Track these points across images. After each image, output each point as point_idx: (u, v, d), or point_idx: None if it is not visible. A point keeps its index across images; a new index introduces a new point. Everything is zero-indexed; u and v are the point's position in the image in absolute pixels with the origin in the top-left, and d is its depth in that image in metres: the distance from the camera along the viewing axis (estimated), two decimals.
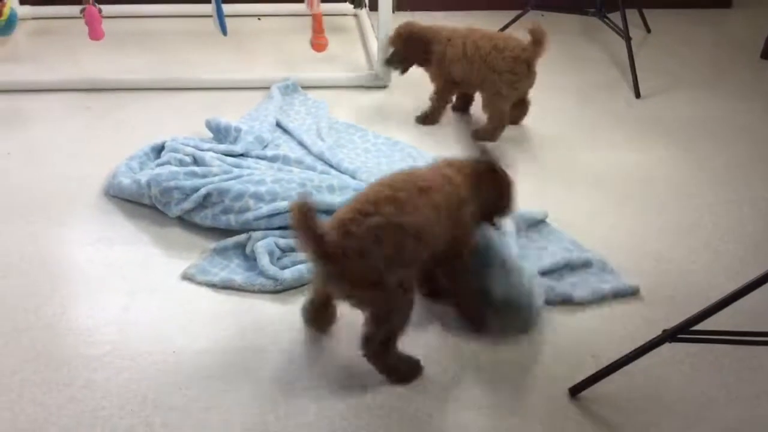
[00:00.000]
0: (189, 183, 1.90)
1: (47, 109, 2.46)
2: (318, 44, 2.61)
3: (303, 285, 1.70)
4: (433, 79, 2.42)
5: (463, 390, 1.48)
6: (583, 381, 1.46)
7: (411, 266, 1.45)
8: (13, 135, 2.32)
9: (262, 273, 1.71)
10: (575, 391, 1.47)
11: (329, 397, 1.46)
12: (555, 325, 1.64)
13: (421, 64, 2.41)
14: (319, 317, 1.58)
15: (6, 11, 2.52)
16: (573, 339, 1.61)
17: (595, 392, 1.46)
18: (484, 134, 2.33)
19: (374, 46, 2.78)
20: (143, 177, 1.96)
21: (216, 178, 1.94)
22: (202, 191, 1.87)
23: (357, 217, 1.39)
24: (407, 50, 2.38)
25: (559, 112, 2.57)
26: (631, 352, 1.40)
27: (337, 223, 1.40)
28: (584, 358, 1.55)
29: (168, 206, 1.90)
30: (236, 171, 2.00)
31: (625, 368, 1.42)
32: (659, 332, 1.36)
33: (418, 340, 1.58)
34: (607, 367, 1.43)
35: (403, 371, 1.49)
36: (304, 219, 1.32)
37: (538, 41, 2.28)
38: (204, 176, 1.96)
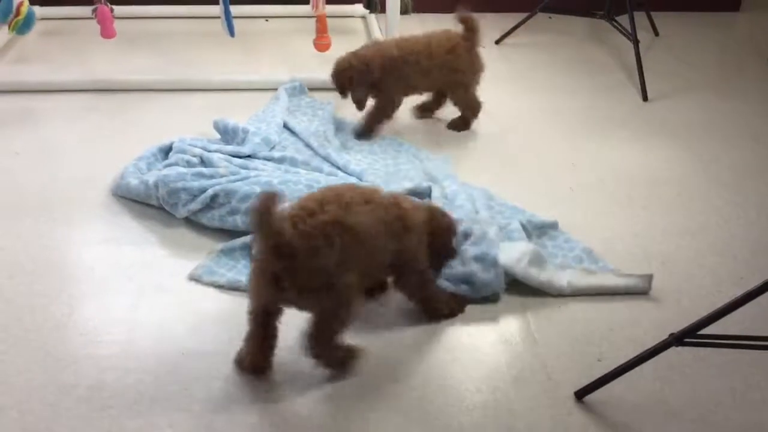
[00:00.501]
0: (196, 184, 1.91)
1: (56, 110, 2.48)
2: (321, 44, 2.62)
3: None
4: (389, 100, 2.34)
5: (468, 393, 1.48)
6: (589, 384, 1.46)
7: (358, 268, 1.44)
8: (23, 135, 2.33)
9: None
10: (581, 394, 1.47)
11: (342, 397, 1.46)
12: (561, 328, 1.64)
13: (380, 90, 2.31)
14: (258, 354, 1.48)
15: (24, 9, 2.54)
16: (579, 342, 1.61)
17: (601, 395, 1.46)
18: (461, 124, 2.40)
19: None
20: (151, 177, 1.96)
21: (223, 179, 1.95)
22: (210, 192, 1.88)
23: (303, 215, 1.38)
24: (361, 84, 2.26)
25: (566, 114, 2.56)
26: (637, 356, 1.40)
27: (287, 220, 1.37)
28: (590, 361, 1.55)
29: (175, 207, 1.91)
30: (243, 172, 2.01)
31: (632, 371, 1.42)
32: (666, 336, 1.36)
33: (419, 340, 1.59)
34: (613, 370, 1.43)
35: (347, 360, 1.49)
36: (266, 213, 1.29)
37: (471, 29, 2.30)
38: (211, 177, 1.97)
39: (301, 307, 1.44)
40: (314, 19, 2.64)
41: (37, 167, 2.17)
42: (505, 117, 2.53)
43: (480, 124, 2.47)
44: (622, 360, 1.43)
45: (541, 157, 2.31)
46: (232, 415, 1.42)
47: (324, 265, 1.37)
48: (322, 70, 2.68)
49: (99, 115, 2.45)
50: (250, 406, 1.44)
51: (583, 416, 1.43)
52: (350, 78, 2.25)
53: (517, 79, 2.80)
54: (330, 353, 1.47)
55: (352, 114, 2.48)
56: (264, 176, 1.97)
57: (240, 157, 2.12)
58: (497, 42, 3.08)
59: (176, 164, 2.05)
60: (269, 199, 1.29)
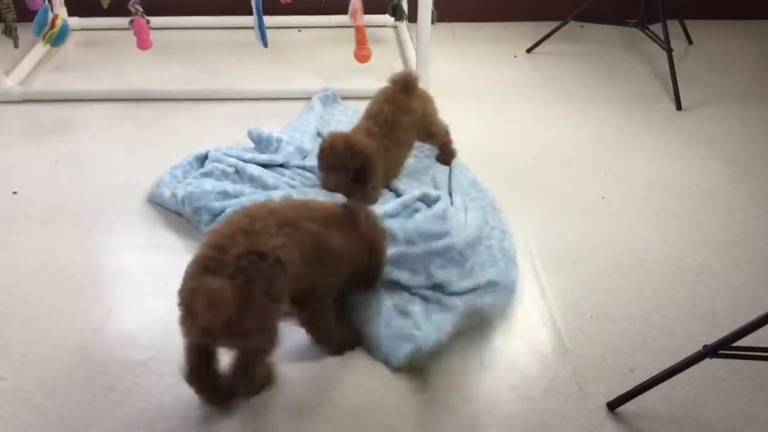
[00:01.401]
0: (218, 204, 1.93)
1: (94, 118, 2.53)
2: (361, 55, 2.64)
3: None
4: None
5: (500, 403, 1.48)
6: (621, 395, 1.45)
7: (281, 301, 1.40)
8: (62, 143, 2.39)
9: None
10: (613, 405, 1.46)
11: (387, 406, 1.47)
12: (593, 338, 1.63)
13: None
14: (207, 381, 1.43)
15: (59, 22, 2.60)
16: (611, 352, 1.60)
17: (633, 407, 1.45)
18: (448, 153, 2.24)
19: (412, 57, 2.80)
20: (180, 192, 1.99)
21: (244, 198, 1.96)
22: (228, 211, 1.88)
23: (216, 256, 1.31)
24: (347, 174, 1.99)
25: (598, 123, 2.55)
26: (670, 367, 1.39)
27: (201, 265, 1.31)
28: (623, 372, 1.54)
29: (199, 224, 1.94)
30: (262, 193, 2.01)
31: (665, 383, 1.41)
32: (700, 347, 1.35)
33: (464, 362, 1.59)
34: (646, 381, 1.42)
35: (266, 382, 1.46)
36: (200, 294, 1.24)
37: (408, 86, 2.12)
38: (236, 197, 1.98)
39: (236, 347, 1.38)
40: (346, 29, 2.66)
41: (76, 175, 2.22)
42: (536, 126, 2.53)
43: (511, 132, 2.47)
44: (655, 371, 1.42)
45: (573, 165, 2.30)
46: (267, 421, 1.44)
47: (258, 307, 1.31)
48: (354, 80, 2.72)
49: (135, 124, 2.50)
50: (283, 411, 1.45)
51: (616, 427, 1.42)
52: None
53: (549, 88, 2.80)
54: (256, 384, 1.43)
55: None
56: (281, 193, 1.99)
57: (273, 165, 2.15)
58: (529, 51, 3.08)
59: (212, 173, 2.09)
60: (199, 270, 1.26)
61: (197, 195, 1.95)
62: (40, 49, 2.88)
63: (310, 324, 1.56)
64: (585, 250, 1.92)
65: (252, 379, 1.42)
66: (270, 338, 1.39)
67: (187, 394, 1.47)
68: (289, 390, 1.49)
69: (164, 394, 1.49)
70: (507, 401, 1.49)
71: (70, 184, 2.18)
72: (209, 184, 2.00)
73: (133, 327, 1.66)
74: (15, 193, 2.13)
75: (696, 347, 1.36)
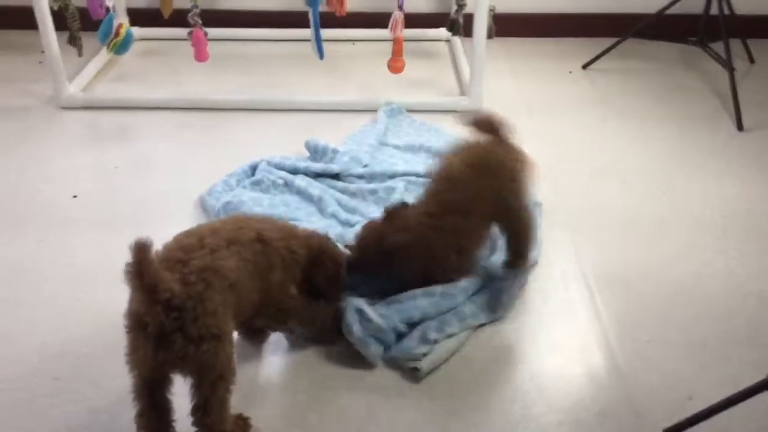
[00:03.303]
0: None
1: (152, 126, 2.58)
2: (395, 67, 2.65)
3: None
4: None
5: (551, 426, 1.45)
6: (679, 423, 1.40)
7: (233, 315, 1.35)
8: (121, 150, 2.44)
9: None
10: None
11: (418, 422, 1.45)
12: (650, 363, 1.59)
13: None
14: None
15: (123, 31, 2.67)
16: (669, 378, 1.55)
17: None
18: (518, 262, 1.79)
19: (466, 72, 2.79)
20: (222, 200, 2.02)
21: (275, 212, 1.98)
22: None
23: (173, 265, 1.27)
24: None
25: (656, 142, 2.50)
26: (731, 396, 1.34)
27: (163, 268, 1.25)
28: (681, 399, 1.50)
29: None
30: (308, 207, 2.03)
31: (724, 413, 1.36)
32: (762, 376, 1.30)
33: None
34: (705, 410, 1.37)
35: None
36: (144, 262, 1.17)
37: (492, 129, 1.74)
38: (271, 209, 2.00)
39: (190, 364, 1.26)
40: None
41: (134, 181, 2.27)
42: (591, 143, 2.49)
43: (565, 149, 2.44)
44: (714, 400, 1.37)
45: (630, 185, 2.25)
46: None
47: (211, 308, 1.26)
48: (406, 93, 2.72)
49: (192, 133, 2.54)
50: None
51: None
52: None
53: (605, 105, 2.75)
54: (222, 426, 1.32)
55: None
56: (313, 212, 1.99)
57: (328, 175, 2.16)
58: (584, 67, 3.04)
59: (261, 182, 2.12)
60: (143, 248, 1.16)
61: (233, 205, 1.98)
62: (102, 57, 2.96)
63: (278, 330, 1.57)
64: (642, 272, 1.87)
65: (221, 418, 1.31)
66: (225, 358, 1.30)
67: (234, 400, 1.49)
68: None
69: None
70: (559, 424, 1.46)
71: (128, 190, 2.22)
72: (247, 195, 2.03)
73: None
74: (75, 196, 2.18)
75: (758, 376, 1.31)
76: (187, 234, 1.40)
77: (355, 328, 1.56)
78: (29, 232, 2.02)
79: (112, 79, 2.92)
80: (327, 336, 1.61)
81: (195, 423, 1.31)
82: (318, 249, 1.58)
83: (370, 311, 1.58)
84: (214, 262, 1.31)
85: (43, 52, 2.63)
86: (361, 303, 1.60)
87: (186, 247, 1.33)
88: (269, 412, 1.48)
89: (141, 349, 1.24)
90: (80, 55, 2.67)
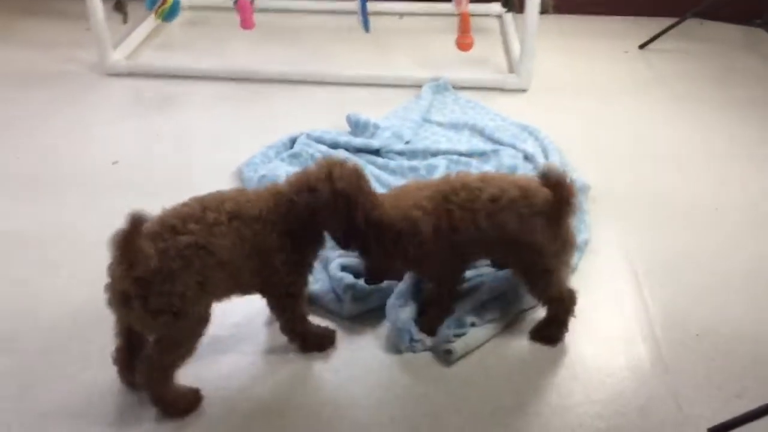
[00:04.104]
0: None
1: (196, 96, 2.57)
2: (463, 43, 2.56)
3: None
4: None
5: (588, 417, 1.40)
6: (726, 422, 1.34)
7: (217, 292, 1.36)
8: (163, 118, 2.43)
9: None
10: (716, 431, 1.35)
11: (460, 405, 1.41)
12: (697, 357, 1.52)
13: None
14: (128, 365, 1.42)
15: None
16: (717, 373, 1.48)
17: None
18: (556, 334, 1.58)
19: (516, 49, 2.70)
20: (259, 173, 2.00)
21: None
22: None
23: (163, 233, 1.29)
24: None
25: (712, 127, 2.39)
26: None
27: (147, 239, 1.28)
28: (728, 396, 1.43)
29: None
30: None
31: None
32: None
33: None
34: (755, 409, 1.30)
35: (180, 407, 1.39)
36: (132, 236, 1.21)
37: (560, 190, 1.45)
38: None
39: (147, 329, 1.34)
40: (447, 18, 2.59)
41: (175, 149, 2.26)
42: (644, 127, 2.39)
43: (617, 132, 2.35)
44: (766, 399, 1.30)
45: (683, 171, 2.15)
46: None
47: (179, 290, 1.28)
48: (454, 69, 2.65)
49: (235, 103, 2.52)
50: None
51: None
52: None
53: (661, 87, 2.64)
54: (161, 387, 1.37)
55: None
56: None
57: (368, 150, 2.11)
58: (641, 47, 2.92)
59: (300, 155, 2.09)
60: (136, 222, 1.21)
61: (268, 179, 1.95)
62: (148, 25, 2.95)
63: (278, 318, 1.50)
64: (692, 262, 1.79)
65: (156, 378, 1.35)
66: (186, 332, 1.33)
67: (265, 365, 1.46)
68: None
69: (244, 372, 1.48)
70: (599, 416, 1.40)
71: (168, 158, 2.21)
72: (282, 169, 1.99)
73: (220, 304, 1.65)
74: (115, 162, 2.18)
75: None
76: (195, 201, 1.39)
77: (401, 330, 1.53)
78: (71, 197, 2.03)
79: (157, 47, 2.92)
80: (302, 349, 1.53)
81: (137, 375, 1.38)
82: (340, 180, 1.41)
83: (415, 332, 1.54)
84: (203, 239, 1.31)
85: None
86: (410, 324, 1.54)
87: (184, 216, 1.34)
88: (299, 390, 1.46)
89: (111, 298, 1.32)
90: (125, 21, 2.67)
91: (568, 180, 1.44)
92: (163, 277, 1.27)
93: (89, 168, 2.15)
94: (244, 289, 1.45)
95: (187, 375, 1.40)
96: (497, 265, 1.68)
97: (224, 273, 1.34)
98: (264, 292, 1.47)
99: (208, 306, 1.37)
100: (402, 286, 1.61)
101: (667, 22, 2.86)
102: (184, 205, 1.38)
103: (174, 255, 1.28)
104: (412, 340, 1.53)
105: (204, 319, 1.37)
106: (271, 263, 1.40)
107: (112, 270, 1.29)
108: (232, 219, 1.36)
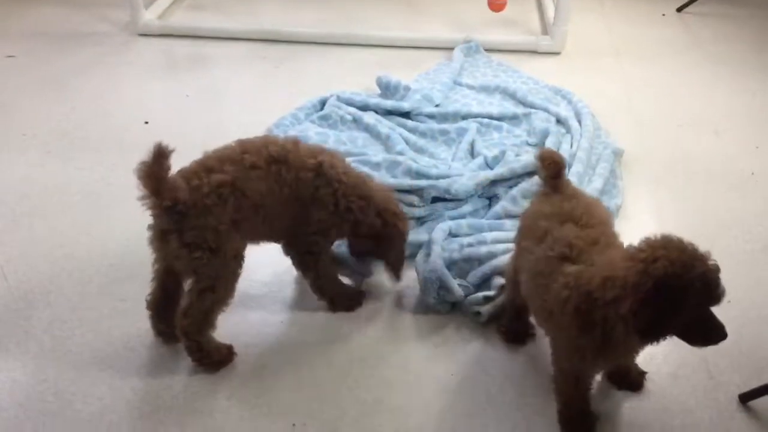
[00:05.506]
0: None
1: (226, 56, 2.56)
2: (496, 4, 2.52)
3: None
4: None
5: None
6: (757, 389, 1.33)
7: (249, 237, 1.38)
8: (194, 78, 2.43)
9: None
10: (746, 398, 1.34)
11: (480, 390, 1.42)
12: (729, 325, 1.49)
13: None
14: (165, 320, 1.43)
15: None
16: (749, 341, 1.46)
17: (766, 403, 1.32)
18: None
19: (551, 11, 2.65)
20: (289, 134, 1.98)
21: (342, 148, 1.93)
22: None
23: (200, 171, 1.32)
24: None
25: (751, 92, 2.34)
26: None
27: (180, 177, 1.31)
28: (761, 365, 1.41)
29: None
30: (375, 145, 1.99)
31: None
32: None
33: None
34: None
35: (215, 359, 1.40)
36: (157, 166, 1.22)
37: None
38: (337, 144, 1.95)
39: (184, 266, 1.34)
40: None
41: (205, 110, 2.26)
42: (681, 90, 2.34)
43: (654, 95, 2.30)
44: None
45: (720, 136, 2.11)
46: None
47: (212, 224, 1.30)
48: (485, 32, 2.60)
49: (266, 64, 2.51)
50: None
51: (747, 422, 1.31)
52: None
53: (698, 51, 2.58)
54: (200, 337, 1.37)
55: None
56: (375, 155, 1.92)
57: (398, 113, 2.10)
58: (679, 10, 2.85)
59: (329, 116, 2.08)
60: (161, 153, 1.22)
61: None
62: None
63: (305, 274, 1.51)
64: (729, 228, 1.76)
65: (195, 326, 1.35)
66: (221, 270, 1.34)
67: (298, 332, 1.48)
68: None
69: (272, 337, 1.50)
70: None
71: (199, 118, 2.22)
72: (313, 131, 1.99)
73: (249, 261, 1.66)
74: (147, 123, 2.19)
75: None
76: (238, 143, 1.41)
77: (431, 291, 1.53)
78: (103, 157, 2.04)
79: (188, 8, 2.91)
80: (331, 308, 1.55)
81: (176, 324, 1.37)
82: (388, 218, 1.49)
83: (452, 282, 1.53)
84: (239, 182, 1.33)
85: None
86: (445, 273, 1.53)
87: (224, 157, 1.36)
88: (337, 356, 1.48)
89: (151, 235, 1.34)
90: None
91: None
92: (197, 212, 1.29)
93: (121, 127, 2.17)
94: (275, 236, 1.47)
95: (218, 334, 1.41)
96: None
97: (258, 216, 1.36)
98: (289, 245, 1.49)
99: (242, 247, 1.39)
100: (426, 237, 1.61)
101: None
102: (227, 147, 1.40)
103: (208, 191, 1.30)
104: (438, 294, 1.53)
105: (239, 259, 1.38)
106: (305, 214, 1.42)
107: (147, 204, 1.30)
108: (272, 163, 1.37)
